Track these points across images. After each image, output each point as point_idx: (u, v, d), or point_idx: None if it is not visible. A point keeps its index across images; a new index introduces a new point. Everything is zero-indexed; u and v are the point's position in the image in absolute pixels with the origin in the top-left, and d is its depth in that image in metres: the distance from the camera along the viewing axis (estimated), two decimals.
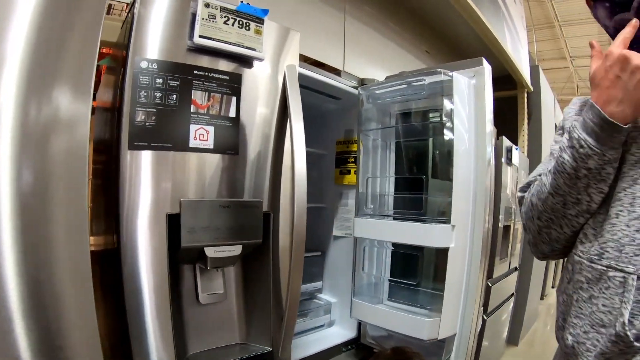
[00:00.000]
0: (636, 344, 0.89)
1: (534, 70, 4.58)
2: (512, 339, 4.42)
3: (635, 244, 0.94)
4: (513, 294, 4.08)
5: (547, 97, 4.97)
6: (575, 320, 1.04)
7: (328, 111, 2.14)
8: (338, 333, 2.11)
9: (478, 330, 3.09)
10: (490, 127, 1.70)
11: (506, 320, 4.08)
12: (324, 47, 2.13)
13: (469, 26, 3.25)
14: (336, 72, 2.12)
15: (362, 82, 2.00)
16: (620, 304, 0.94)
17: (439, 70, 1.67)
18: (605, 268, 0.98)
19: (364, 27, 2.54)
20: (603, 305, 0.97)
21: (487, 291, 3.15)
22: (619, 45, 0.90)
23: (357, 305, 1.90)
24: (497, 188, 3.13)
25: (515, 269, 4.07)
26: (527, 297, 4.45)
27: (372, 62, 2.59)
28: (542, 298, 6.38)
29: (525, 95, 4.48)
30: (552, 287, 7.78)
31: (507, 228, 3.49)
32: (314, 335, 2.03)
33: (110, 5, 2.07)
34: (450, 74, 1.65)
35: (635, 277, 0.92)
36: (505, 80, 4.27)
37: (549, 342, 4.95)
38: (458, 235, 1.66)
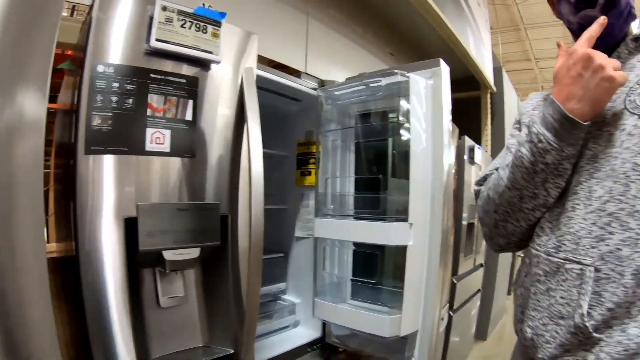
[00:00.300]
0: (595, 334, 0.91)
1: (497, 71, 4.68)
2: (480, 334, 4.48)
3: (592, 236, 0.96)
4: (479, 290, 4.14)
5: (511, 97, 5.08)
6: (533, 313, 1.06)
7: (290, 113, 2.16)
8: (303, 333, 2.12)
9: (443, 326, 3.14)
10: (447, 127, 1.72)
11: (474, 316, 4.13)
12: (287, 49, 2.16)
13: (433, 28, 3.33)
14: (297, 74, 2.13)
15: (322, 84, 2.02)
16: (578, 295, 0.96)
17: (396, 71, 1.69)
18: (562, 261, 1.00)
19: (327, 29, 2.57)
20: (561, 297, 0.99)
21: (453, 288, 3.19)
22: (583, 43, 0.93)
23: (320, 305, 1.92)
24: (460, 186, 3.23)
25: (481, 265, 4.12)
26: (494, 293, 4.51)
27: (335, 64, 2.62)
28: (509, 293, 6.44)
29: (489, 95, 4.57)
30: None
31: (471, 226, 3.55)
32: (279, 336, 2.03)
33: (74, 6, 2.04)
34: (407, 75, 1.66)
35: (592, 268, 0.94)
36: (469, 81, 4.38)
37: (516, 336, 5.22)
38: (416, 233, 1.67)
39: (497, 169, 1.20)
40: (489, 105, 4.58)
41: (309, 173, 2.15)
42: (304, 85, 1.95)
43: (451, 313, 3.29)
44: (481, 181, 1.26)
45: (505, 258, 5.09)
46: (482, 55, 4.31)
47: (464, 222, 3.41)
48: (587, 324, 0.93)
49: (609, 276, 0.92)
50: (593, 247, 0.95)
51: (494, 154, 4.35)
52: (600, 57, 0.90)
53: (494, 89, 4.62)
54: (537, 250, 1.07)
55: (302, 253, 2.25)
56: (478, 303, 4.33)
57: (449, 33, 3.41)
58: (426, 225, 1.73)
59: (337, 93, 1.94)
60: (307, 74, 2.19)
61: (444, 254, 1.73)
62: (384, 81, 1.74)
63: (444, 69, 1.73)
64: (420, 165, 1.71)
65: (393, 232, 1.69)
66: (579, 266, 0.96)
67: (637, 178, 0.92)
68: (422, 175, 1.72)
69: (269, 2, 2.13)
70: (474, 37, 4.12)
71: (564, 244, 1.00)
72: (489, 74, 4.45)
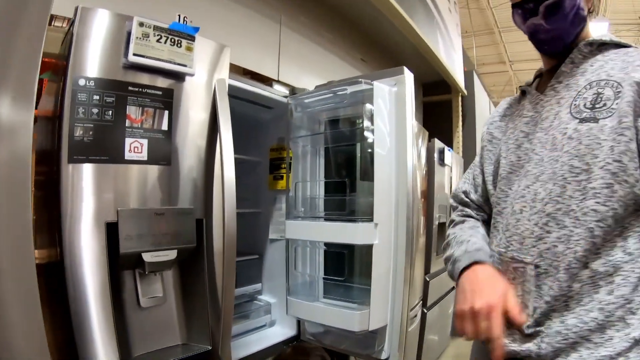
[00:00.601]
0: (536, 327, 1.00)
1: (469, 75, 4.78)
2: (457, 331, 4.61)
3: (533, 236, 1.02)
4: (453, 287, 4.15)
5: (482, 100, 5.18)
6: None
7: (263, 120, 2.21)
8: (279, 332, 2.17)
9: (416, 323, 3.22)
10: (411, 131, 1.78)
11: (450, 314, 4.21)
12: (259, 57, 2.22)
13: (403, 35, 3.41)
14: (269, 82, 2.20)
15: (293, 91, 2.08)
16: (522, 292, 1.04)
17: (360, 80, 1.76)
18: (510, 259, 1.08)
19: (299, 37, 2.65)
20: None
21: (426, 286, 3.31)
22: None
23: (293, 303, 1.97)
24: (430, 187, 3.32)
25: None
26: None
27: (306, 70, 2.70)
28: None
29: (460, 99, 4.66)
30: None
31: (442, 225, 3.60)
32: (256, 335, 2.07)
33: (52, 16, 2.08)
34: (372, 83, 1.73)
35: (532, 266, 1.02)
36: (441, 85, 4.50)
37: None
38: (381, 233, 1.74)
39: (457, 208, 1.38)
40: (460, 108, 4.67)
41: (281, 177, 2.21)
42: (275, 94, 2.00)
43: (425, 310, 3.35)
44: (455, 198, 1.41)
45: None
46: (452, 60, 4.40)
47: (436, 222, 3.46)
48: (530, 318, 1.01)
49: (547, 271, 0.99)
50: (533, 246, 1.02)
51: (465, 155, 4.54)
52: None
53: (465, 92, 4.71)
54: (492, 250, 1.15)
55: (277, 254, 2.29)
56: (453, 302, 4.43)
57: (419, 39, 3.51)
58: (391, 225, 1.79)
59: (306, 101, 2.00)
60: (279, 81, 2.27)
61: (410, 252, 1.78)
62: (350, 89, 1.80)
63: (408, 76, 1.80)
64: (384, 168, 1.78)
65: (360, 232, 1.76)
66: (522, 264, 1.04)
67: (573, 179, 0.98)
68: (386, 177, 1.78)
69: (243, 12, 2.18)
70: (444, 42, 4.20)
71: (511, 244, 1.08)
72: (459, 78, 4.55)
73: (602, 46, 1.09)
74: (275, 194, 2.29)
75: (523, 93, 1.24)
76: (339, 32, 3.09)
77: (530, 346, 1.02)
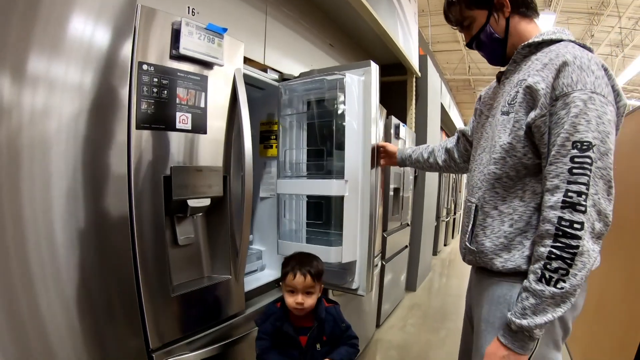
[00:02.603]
0: (470, 245, 1.32)
1: (423, 59, 4.92)
2: (410, 286, 4.96)
3: (477, 186, 1.31)
4: (407, 246, 4.56)
5: (434, 81, 5.36)
6: (461, 234, 1.43)
7: (254, 98, 2.36)
8: (269, 274, 2.38)
9: (377, 270, 3.52)
10: (375, 111, 2.01)
11: (404, 268, 4.55)
12: (248, 44, 2.18)
13: (367, 24, 3.55)
14: (263, 68, 2.36)
15: (282, 77, 2.33)
16: (469, 221, 1.33)
17: (335, 72, 2.07)
18: (467, 201, 1.38)
19: (281, 25, 2.78)
20: (465, 222, 1.37)
21: (384, 241, 3.63)
22: None
23: (282, 244, 2.27)
24: None
25: (407, 225, 4.50)
26: (420, 250, 4.90)
27: (288, 56, 2.87)
28: (435, 254, 6.98)
29: (414, 80, 4.80)
30: (445, 245, 8.44)
31: (397, 190, 3.89)
32: (250, 277, 2.29)
33: None
34: (344, 74, 2.03)
35: (474, 205, 1.31)
36: (398, 67, 4.63)
37: (442, 288, 5.51)
38: (350, 187, 2.05)
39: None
40: (414, 88, 4.85)
41: (271, 147, 2.47)
42: (269, 78, 2.24)
43: (384, 262, 3.68)
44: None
45: (429, 221, 5.44)
46: (409, 45, 4.56)
47: (391, 187, 3.73)
48: (468, 238, 1.33)
49: (479, 209, 1.30)
50: (476, 193, 1.31)
51: (417, 131, 4.71)
52: None
53: (419, 74, 4.91)
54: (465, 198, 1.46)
55: (266, 210, 2.53)
56: (407, 259, 4.70)
57: (381, 29, 3.68)
58: (358, 182, 2.08)
59: (293, 86, 2.27)
60: (271, 68, 2.44)
61: (373, 203, 2.05)
62: (328, 78, 2.10)
63: (374, 68, 2.04)
64: (353, 139, 2.07)
65: (334, 186, 2.05)
66: (470, 204, 1.35)
67: (489, 152, 1.27)
68: (354, 146, 2.07)
69: (234, 2, 2.30)
70: (403, 30, 4.35)
71: (468, 191, 1.38)
72: (414, 62, 4.73)
73: (540, 45, 1.24)
74: (265, 160, 2.52)
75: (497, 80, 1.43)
76: (313, 20, 3.25)
77: (471, 259, 1.34)
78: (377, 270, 3.60)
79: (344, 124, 2.08)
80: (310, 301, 1.58)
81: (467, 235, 1.31)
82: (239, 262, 1.73)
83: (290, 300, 1.59)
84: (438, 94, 5.81)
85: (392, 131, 3.72)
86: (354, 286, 2.16)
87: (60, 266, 1.12)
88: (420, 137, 4.90)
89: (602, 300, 2.65)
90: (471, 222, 1.30)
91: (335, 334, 1.64)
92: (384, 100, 3.18)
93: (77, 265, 1.15)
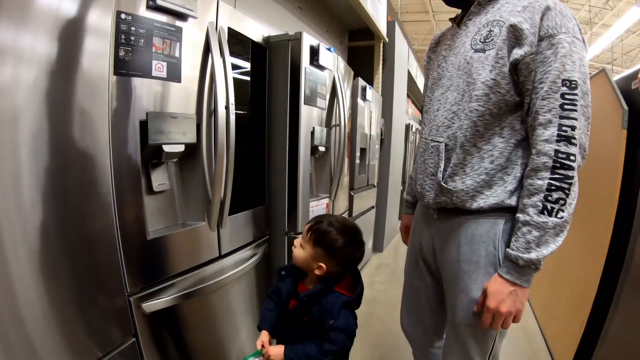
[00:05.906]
0: (446, 185, 1.26)
1: (390, 25, 4.96)
2: (377, 247, 5.04)
3: (444, 125, 1.29)
4: (373, 206, 4.62)
5: (402, 47, 5.40)
6: (419, 175, 1.40)
7: None
8: None
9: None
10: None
11: (370, 231, 4.60)
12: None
13: None
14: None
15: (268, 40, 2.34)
16: (438, 161, 1.29)
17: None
18: (430, 141, 1.34)
19: None
20: (431, 163, 1.33)
21: (351, 198, 3.70)
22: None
23: None
24: (354, 117, 3.62)
25: (374, 186, 4.55)
26: (386, 211, 4.96)
27: (261, 19, 2.86)
28: (400, 219, 6.86)
29: (382, 45, 4.85)
30: None
31: (363, 150, 3.96)
32: None
33: None
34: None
35: (443, 145, 1.29)
36: (366, 32, 4.68)
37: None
38: None
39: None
40: (381, 53, 4.89)
41: None
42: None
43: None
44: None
45: (394, 183, 5.50)
46: (377, 10, 4.57)
47: (358, 147, 3.79)
48: (442, 179, 1.27)
49: (452, 148, 1.26)
50: (444, 132, 1.28)
51: (384, 94, 4.78)
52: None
53: (387, 39, 4.95)
54: (420, 136, 1.40)
55: None
56: (374, 219, 4.76)
57: None
58: None
59: None
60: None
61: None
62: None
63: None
64: None
65: None
66: (437, 143, 1.31)
67: (466, 89, 1.23)
68: None
69: None
70: None
71: (432, 131, 1.34)
72: (382, 27, 4.76)
73: None
74: None
75: (452, 23, 1.42)
76: None
77: (445, 199, 1.29)
78: None
79: None
80: (298, 253, 1.47)
81: (440, 176, 1.29)
82: (212, 210, 1.78)
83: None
84: (405, 61, 5.80)
85: (359, 93, 3.74)
86: None
87: (35, 215, 1.10)
88: (387, 101, 4.94)
89: (561, 258, 2.73)
90: (442, 162, 1.28)
91: (317, 323, 1.42)
92: (351, 64, 3.22)
93: (56, 212, 1.15)
